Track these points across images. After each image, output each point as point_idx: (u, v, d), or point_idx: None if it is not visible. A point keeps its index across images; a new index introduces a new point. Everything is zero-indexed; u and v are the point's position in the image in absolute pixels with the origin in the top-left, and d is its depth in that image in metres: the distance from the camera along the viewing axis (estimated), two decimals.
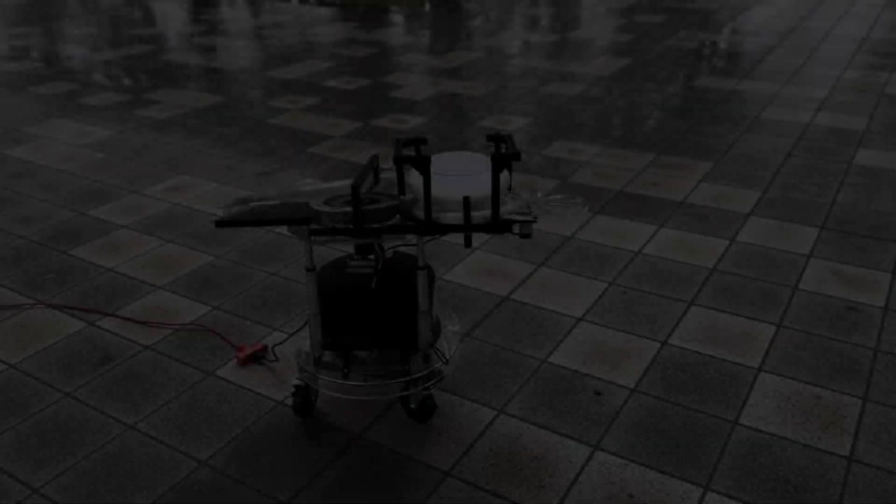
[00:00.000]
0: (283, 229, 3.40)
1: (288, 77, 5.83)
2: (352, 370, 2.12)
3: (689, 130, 4.48)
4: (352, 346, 2.13)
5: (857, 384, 2.33)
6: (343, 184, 2.21)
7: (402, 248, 2.43)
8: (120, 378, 2.44)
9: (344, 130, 4.65)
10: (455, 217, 1.89)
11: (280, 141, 4.49)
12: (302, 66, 6.12)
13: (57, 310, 2.82)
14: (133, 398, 2.35)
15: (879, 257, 3.04)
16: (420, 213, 1.94)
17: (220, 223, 1.99)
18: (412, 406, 2.19)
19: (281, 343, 2.56)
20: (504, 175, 1.96)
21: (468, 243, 1.94)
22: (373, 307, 2.08)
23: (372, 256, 2.23)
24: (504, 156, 1.85)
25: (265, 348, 2.53)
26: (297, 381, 2.17)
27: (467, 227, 1.88)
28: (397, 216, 1.96)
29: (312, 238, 1.99)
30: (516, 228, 1.94)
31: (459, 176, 1.95)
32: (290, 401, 2.31)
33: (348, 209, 1.92)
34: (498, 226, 1.88)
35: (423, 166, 1.82)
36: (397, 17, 8.02)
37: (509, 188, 2.08)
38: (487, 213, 1.90)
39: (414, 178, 1.96)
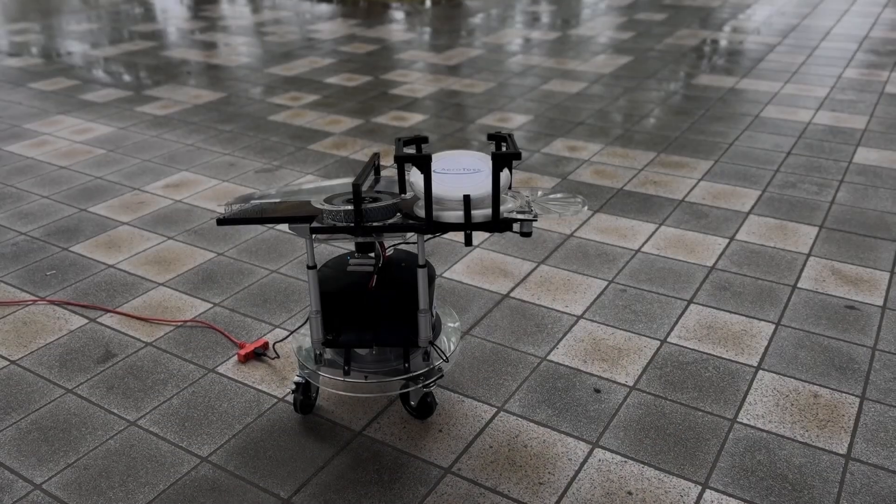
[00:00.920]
0: (284, 227, 3.41)
1: (289, 74, 5.83)
2: (352, 367, 2.13)
3: (689, 129, 4.49)
4: (352, 344, 2.14)
5: (855, 383, 2.34)
6: (344, 182, 2.22)
7: (402, 246, 2.45)
8: (121, 374, 2.45)
9: (345, 127, 4.66)
10: (455, 216, 1.90)
11: (281, 138, 4.50)
12: (302, 63, 6.12)
13: (58, 306, 2.83)
14: (134, 395, 2.36)
15: (878, 256, 3.05)
16: (421, 212, 1.95)
17: (222, 221, 2.00)
18: (412, 403, 2.20)
19: (282, 340, 2.57)
20: (504, 174, 1.97)
21: (468, 242, 1.95)
22: (372, 305, 2.09)
23: (372, 254, 2.24)
24: (504, 155, 1.86)
25: (266, 345, 2.54)
26: (297, 378, 2.18)
27: (468, 226, 1.89)
28: (398, 215, 1.97)
29: (314, 236, 2.00)
30: (517, 227, 1.95)
31: (460, 174, 1.97)
32: (290, 398, 2.32)
33: (349, 207, 1.93)
34: (498, 224, 1.89)
35: (424, 165, 1.83)
36: (398, 14, 8.02)
37: (509, 187, 2.09)
38: (488, 211, 1.91)
39: (415, 176, 1.96)
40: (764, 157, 4.03)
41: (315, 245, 3.16)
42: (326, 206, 1.94)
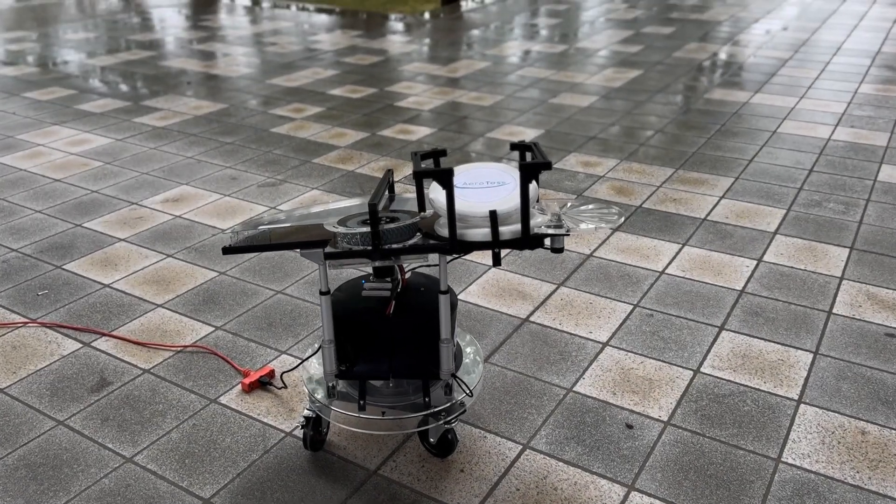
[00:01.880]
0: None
1: (291, 85, 5.69)
2: (367, 402, 1.97)
3: (706, 144, 4.35)
4: (367, 376, 1.97)
5: None
6: (356, 202, 2.07)
7: (420, 269, 2.30)
8: (117, 405, 2.28)
9: (350, 140, 4.51)
10: (482, 234, 1.74)
11: (284, 151, 4.34)
12: (305, 74, 5.98)
13: (50, 329, 2.66)
14: (131, 427, 2.19)
15: None
16: (443, 231, 1.80)
17: (228, 250, 1.85)
18: (431, 440, 2.04)
19: (290, 370, 2.41)
20: (532, 186, 1.82)
21: (497, 262, 1.78)
22: (389, 333, 1.93)
23: (388, 279, 2.08)
24: (533, 165, 1.70)
25: (272, 373, 2.38)
26: (307, 412, 2.02)
27: (496, 244, 1.73)
28: (419, 235, 1.82)
29: (328, 262, 1.85)
30: (548, 243, 1.80)
31: (484, 188, 1.82)
32: (299, 432, 2.16)
33: (366, 229, 1.78)
34: (529, 241, 1.73)
35: (446, 180, 1.68)
36: (398, 25, 7.90)
37: (537, 200, 1.94)
38: (516, 227, 1.75)
39: (435, 192, 1.81)
40: (785, 175, 3.90)
41: (329, 269, 3.01)
42: (341, 230, 1.79)
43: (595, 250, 3.15)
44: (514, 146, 1.92)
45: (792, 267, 3.01)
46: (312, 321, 2.69)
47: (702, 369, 2.41)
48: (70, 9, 8.89)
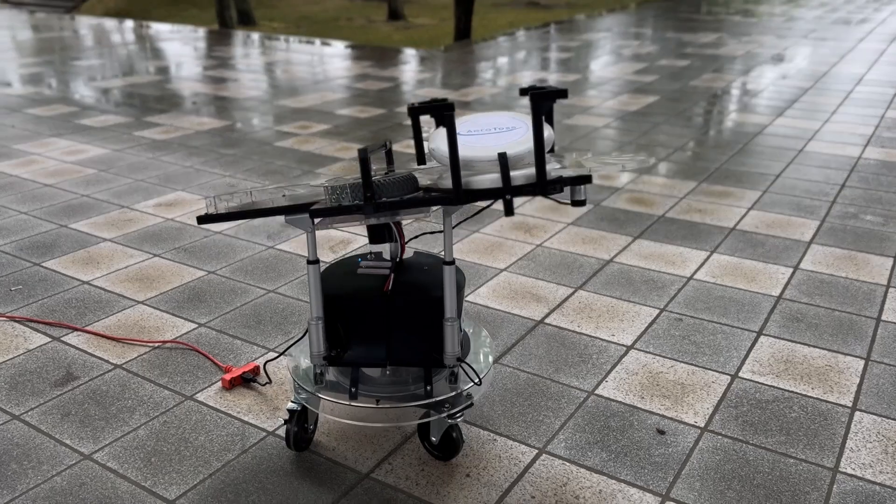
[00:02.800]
0: (286, 246, 3.02)
1: (298, 105, 5.55)
2: (360, 391, 1.71)
3: (729, 161, 4.13)
4: (360, 362, 1.72)
5: None
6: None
7: (423, 250, 2.06)
8: (81, 400, 2.03)
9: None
10: (490, 180, 1.51)
11: (287, 162, 4.15)
12: (313, 97, 5.85)
13: (18, 323, 2.43)
14: (94, 423, 1.93)
15: None
16: (446, 183, 1.57)
17: (204, 219, 1.62)
18: (433, 439, 1.77)
19: (275, 358, 2.16)
20: (547, 131, 1.59)
21: (509, 211, 1.52)
22: (387, 313, 1.68)
23: (387, 258, 1.85)
24: (548, 92, 1.47)
25: (257, 370, 2.12)
26: (291, 405, 1.76)
27: (507, 191, 1.49)
28: (420, 193, 1.59)
29: (316, 224, 1.62)
30: (564, 196, 1.56)
31: (490, 134, 1.59)
32: (282, 431, 1.89)
33: (356, 180, 1.55)
34: (545, 185, 1.49)
35: (445, 114, 1.45)
36: (410, 57, 7.82)
37: (551, 149, 1.71)
38: (530, 171, 1.52)
39: (436, 141, 1.59)
40: (816, 189, 3.66)
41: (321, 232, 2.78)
42: (330, 183, 1.56)
43: (615, 256, 2.91)
44: (524, 90, 1.69)
45: (832, 275, 2.75)
46: (305, 319, 2.45)
47: (740, 374, 2.13)
48: (85, 39, 8.89)
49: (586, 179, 1.53)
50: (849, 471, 1.75)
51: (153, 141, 4.57)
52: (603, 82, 6.35)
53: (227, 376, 2.08)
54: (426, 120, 4.77)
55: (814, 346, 2.27)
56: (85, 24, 10.35)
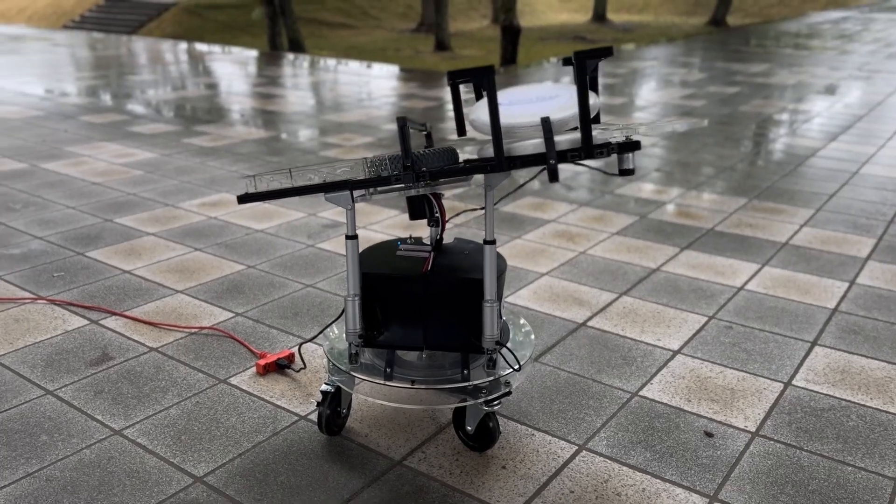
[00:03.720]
0: (326, 244, 3.00)
1: (342, 120, 5.59)
2: (395, 373, 1.66)
3: (781, 180, 4.02)
4: (397, 344, 1.67)
5: None
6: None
7: (464, 236, 2.02)
8: (114, 379, 2.01)
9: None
10: (533, 145, 1.46)
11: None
12: (358, 113, 5.90)
13: (58, 306, 2.44)
14: (126, 401, 1.91)
15: None
16: (489, 151, 1.53)
17: (245, 198, 1.60)
18: (469, 428, 1.70)
19: (313, 339, 2.12)
20: (593, 98, 1.54)
21: (553, 177, 1.46)
22: (425, 295, 1.64)
23: (427, 242, 1.81)
24: (593, 52, 1.43)
25: (292, 357, 2.09)
26: (325, 387, 1.71)
27: (552, 155, 1.43)
28: (461, 164, 1.55)
29: (356, 198, 1.59)
30: (609, 167, 1.50)
31: (532, 103, 1.55)
32: (315, 416, 1.84)
33: (396, 153, 1.52)
34: (591, 149, 1.43)
35: (486, 78, 1.42)
36: None
37: (596, 118, 1.66)
38: (575, 136, 1.47)
39: (477, 111, 1.55)
40: (872, 209, 3.53)
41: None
42: (370, 157, 1.53)
43: (662, 265, 2.82)
44: (567, 61, 1.65)
45: (891, 290, 2.62)
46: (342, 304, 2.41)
47: (794, 382, 2.03)
48: (141, 58, 9.15)
49: (635, 145, 1.47)
50: None
51: (200, 147, 4.63)
52: (649, 105, 6.28)
53: (262, 362, 2.05)
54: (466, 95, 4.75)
55: (872, 358, 2.15)
56: (143, 45, 10.66)
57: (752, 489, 1.61)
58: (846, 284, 2.67)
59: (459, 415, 1.73)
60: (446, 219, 1.71)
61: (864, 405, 1.92)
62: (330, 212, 3.42)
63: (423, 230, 3.21)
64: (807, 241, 3.10)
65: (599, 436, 1.79)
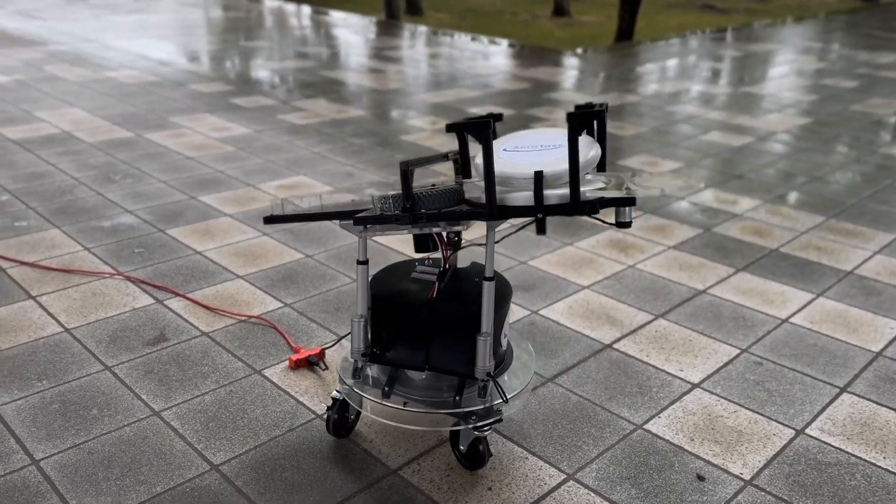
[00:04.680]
0: (383, 238, 3.15)
1: (434, 100, 5.69)
2: (396, 391, 1.78)
3: (870, 197, 3.81)
4: (400, 363, 1.79)
5: None
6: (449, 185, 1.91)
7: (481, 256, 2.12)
8: (165, 360, 2.24)
9: (473, 153, 4.38)
10: (524, 197, 1.53)
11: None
12: (450, 93, 5.97)
13: (132, 283, 2.70)
14: (170, 383, 2.13)
15: None
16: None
17: (270, 219, 1.76)
18: (461, 448, 1.81)
19: (330, 346, 2.27)
20: (592, 149, 1.58)
21: (541, 229, 1.54)
22: (429, 320, 1.74)
23: (448, 265, 1.90)
24: (583, 113, 1.48)
25: (322, 354, 2.25)
26: (335, 393, 1.86)
27: (539, 209, 1.51)
28: (463, 207, 1.63)
29: (365, 229, 1.70)
30: (605, 216, 1.54)
31: (536, 151, 1.61)
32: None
33: (398, 192, 1.62)
34: (578, 206, 1.49)
35: (481, 132, 1.49)
36: (560, 57, 7.76)
37: (601, 168, 1.70)
38: (565, 191, 1.52)
39: (480, 156, 1.63)
40: None
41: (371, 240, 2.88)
42: (376, 193, 1.64)
43: (710, 287, 2.79)
44: (578, 108, 1.68)
45: None
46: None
47: (807, 430, 2.00)
48: (259, 22, 9.55)
49: (627, 202, 1.51)
50: None
51: (292, 125, 4.87)
52: (757, 98, 6.02)
53: (294, 357, 2.22)
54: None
55: None
56: (268, 8, 11.10)
57: None
58: None
59: (455, 434, 1.84)
60: (447, 253, 1.80)
61: (873, 464, 1.88)
62: None
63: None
64: (875, 271, 2.96)
65: (591, 466, 1.85)
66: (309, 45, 8.05)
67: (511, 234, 1.95)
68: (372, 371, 1.85)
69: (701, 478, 1.82)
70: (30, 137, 4.38)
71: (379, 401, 1.75)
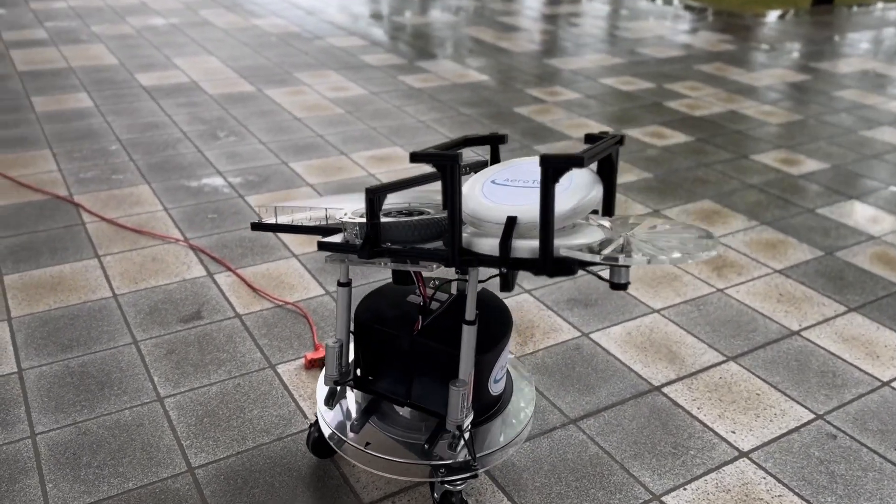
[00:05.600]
0: None
1: (564, 67, 5.34)
2: (372, 422, 1.64)
3: None
4: (382, 394, 1.65)
5: None
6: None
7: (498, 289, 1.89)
8: (190, 341, 2.24)
9: (587, 132, 4.05)
10: (490, 245, 1.31)
11: (513, 131, 4.05)
12: (585, 59, 5.58)
13: (192, 251, 2.73)
14: (184, 368, 2.12)
15: None
16: (471, 238, 1.40)
17: (256, 226, 1.65)
18: (435, 496, 1.65)
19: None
20: (594, 190, 1.32)
21: (505, 286, 1.33)
22: (410, 356, 1.57)
23: (453, 289, 1.72)
24: (556, 158, 1.22)
25: None
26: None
27: (503, 261, 1.28)
28: (439, 244, 1.43)
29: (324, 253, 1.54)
30: (612, 276, 1.29)
31: (525, 188, 1.37)
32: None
33: (363, 220, 1.44)
34: (549, 264, 1.25)
35: (447, 169, 1.28)
36: (734, 21, 7.02)
37: (602, 212, 1.44)
38: (536, 244, 1.29)
39: (467, 187, 1.42)
40: None
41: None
42: (348, 219, 1.47)
43: (807, 328, 2.38)
44: (589, 137, 1.43)
45: None
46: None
47: None
48: None
49: (615, 265, 1.24)
50: None
51: (409, 88, 4.75)
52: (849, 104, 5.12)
53: (310, 355, 2.14)
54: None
55: None
56: None
57: None
58: None
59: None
60: (424, 289, 1.60)
61: None
62: None
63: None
64: None
65: None
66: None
67: (490, 278, 1.73)
68: (358, 397, 1.72)
69: None
70: (159, 85, 4.58)
71: (339, 435, 1.62)
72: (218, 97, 4.41)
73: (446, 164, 1.29)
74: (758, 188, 3.42)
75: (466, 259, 1.33)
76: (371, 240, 1.39)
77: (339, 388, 1.68)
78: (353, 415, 1.67)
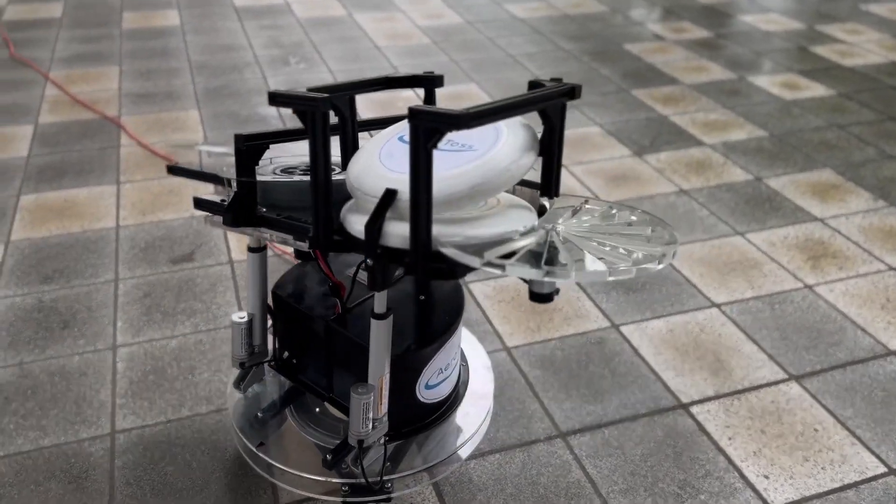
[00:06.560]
0: None
1: (698, 1, 4.64)
2: (279, 418, 1.38)
3: None
4: (304, 384, 1.37)
5: None
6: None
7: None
8: (170, 286, 2.06)
9: (701, 79, 3.47)
10: (357, 228, 0.98)
11: (612, 72, 3.53)
12: None
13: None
14: (153, 315, 1.95)
15: None
16: (350, 214, 1.07)
17: (173, 170, 1.37)
18: None
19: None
20: (524, 157, 0.96)
21: (374, 284, 1.00)
22: (326, 343, 1.28)
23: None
24: (425, 113, 0.86)
25: None
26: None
27: (367, 249, 0.95)
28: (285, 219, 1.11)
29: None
30: (531, 285, 0.93)
31: (459, 151, 1.02)
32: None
33: (266, 178, 1.13)
34: (421, 258, 0.91)
35: (309, 113, 0.96)
36: None
37: (549, 193, 1.05)
38: (411, 233, 0.94)
39: (374, 143, 1.08)
40: None
41: None
42: (227, 170, 1.17)
43: (894, 352, 1.85)
44: (532, 84, 1.03)
45: None
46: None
47: None
48: None
49: (497, 269, 0.88)
50: None
51: (510, 17, 4.30)
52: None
53: None
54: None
55: None
56: None
57: None
58: None
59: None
60: (328, 265, 1.27)
61: None
62: None
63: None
64: None
65: None
66: None
67: (397, 280, 1.36)
68: (269, 383, 1.46)
69: None
70: (251, 6, 4.42)
71: (236, 429, 1.36)
72: (304, 20, 4.19)
73: (307, 111, 0.95)
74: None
75: (337, 241, 1.00)
76: (238, 202, 1.09)
77: (254, 368, 1.42)
78: (262, 405, 1.41)
